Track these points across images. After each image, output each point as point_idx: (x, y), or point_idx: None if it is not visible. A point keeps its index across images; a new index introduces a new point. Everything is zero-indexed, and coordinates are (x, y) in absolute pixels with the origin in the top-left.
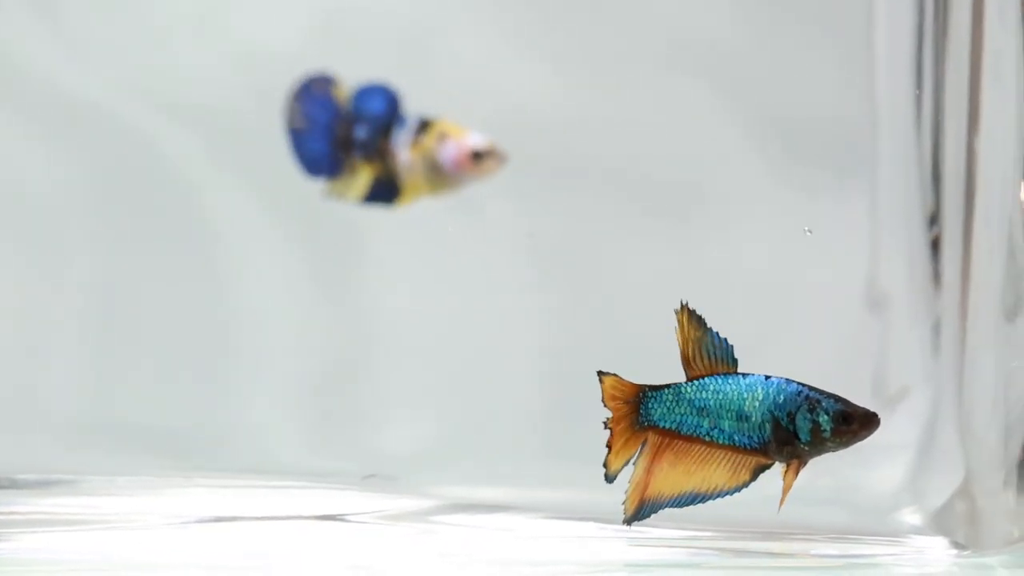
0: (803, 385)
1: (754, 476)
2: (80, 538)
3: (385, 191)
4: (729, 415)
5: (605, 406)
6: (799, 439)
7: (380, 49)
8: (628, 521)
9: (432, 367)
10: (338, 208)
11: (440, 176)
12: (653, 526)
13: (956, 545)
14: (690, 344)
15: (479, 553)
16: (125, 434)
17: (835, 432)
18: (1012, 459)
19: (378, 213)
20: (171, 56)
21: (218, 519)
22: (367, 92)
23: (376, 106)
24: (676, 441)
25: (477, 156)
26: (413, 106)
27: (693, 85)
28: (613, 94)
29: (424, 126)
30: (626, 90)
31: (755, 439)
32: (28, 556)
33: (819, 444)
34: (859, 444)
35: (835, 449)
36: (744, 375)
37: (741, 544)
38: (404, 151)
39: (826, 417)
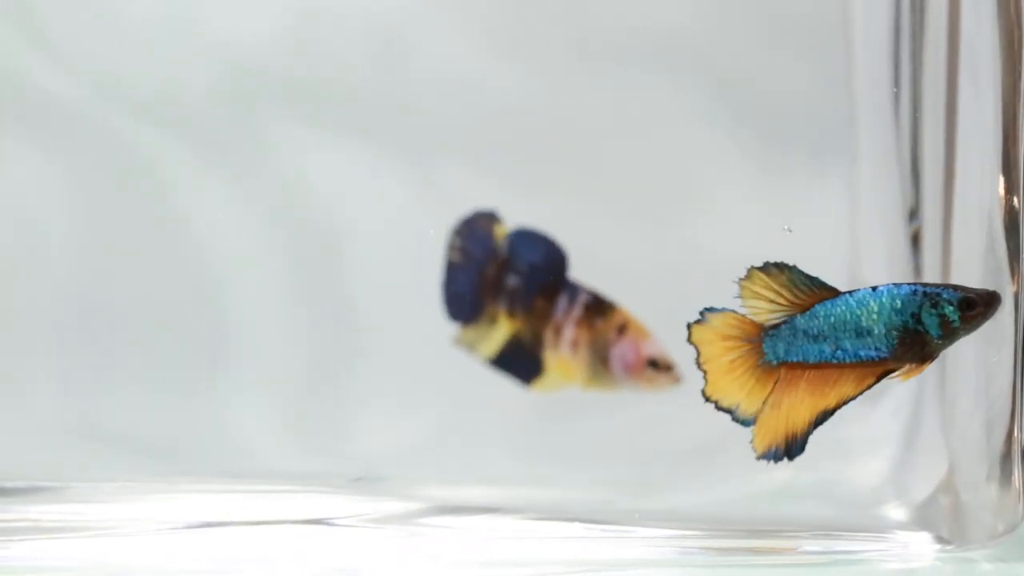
0: (913, 284)
1: (879, 380)
2: (67, 545)
3: (523, 360)
4: (848, 334)
5: (695, 346)
6: (931, 335)
7: (353, 46)
8: (771, 458)
9: (416, 368)
10: (318, 209)
11: (601, 371)
12: (638, 525)
13: (940, 540)
14: (782, 287)
15: (466, 555)
16: (111, 440)
17: (963, 319)
18: (995, 453)
19: (356, 216)
20: (147, 57)
21: (205, 524)
22: (527, 237)
23: (535, 255)
24: (805, 371)
25: (654, 366)
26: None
27: (672, 81)
28: (590, 90)
29: (597, 303)
30: (603, 86)
31: (882, 349)
32: (15, 564)
33: (951, 335)
34: (842, 439)
35: (966, 335)
36: (850, 293)
37: (727, 542)
38: (569, 326)
39: (951, 308)
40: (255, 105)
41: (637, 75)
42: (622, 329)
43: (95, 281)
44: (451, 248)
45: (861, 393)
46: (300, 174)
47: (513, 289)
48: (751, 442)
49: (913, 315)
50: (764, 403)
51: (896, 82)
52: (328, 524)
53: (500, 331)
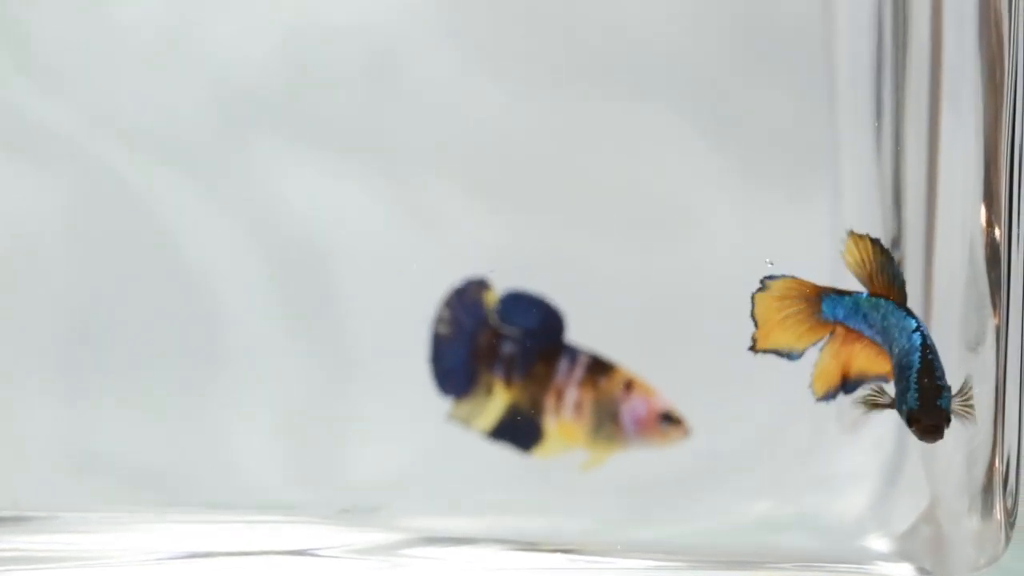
0: (926, 352)
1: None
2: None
3: (522, 429)
4: (888, 340)
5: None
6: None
7: (342, 66)
8: (831, 397)
9: (407, 397)
10: (308, 232)
11: (610, 431)
12: (621, 556)
13: (922, 571)
14: (874, 264)
15: None
16: (98, 470)
17: (909, 419)
18: (976, 485)
19: (345, 241)
20: (136, 79)
21: (191, 555)
22: (519, 300)
23: (530, 320)
24: (863, 338)
25: (666, 419)
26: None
27: (658, 105)
28: (576, 112)
29: (598, 363)
30: (586, 107)
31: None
32: None
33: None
34: (825, 470)
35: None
36: (908, 313)
37: (709, 573)
38: (572, 388)
39: (913, 395)
40: (244, 126)
41: (623, 98)
42: (628, 386)
43: (85, 307)
44: (439, 321)
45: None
46: (292, 196)
47: (509, 356)
48: (810, 386)
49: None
50: (822, 351)
51: (878, 111)
52: (312, 555)
53: (497, 401)
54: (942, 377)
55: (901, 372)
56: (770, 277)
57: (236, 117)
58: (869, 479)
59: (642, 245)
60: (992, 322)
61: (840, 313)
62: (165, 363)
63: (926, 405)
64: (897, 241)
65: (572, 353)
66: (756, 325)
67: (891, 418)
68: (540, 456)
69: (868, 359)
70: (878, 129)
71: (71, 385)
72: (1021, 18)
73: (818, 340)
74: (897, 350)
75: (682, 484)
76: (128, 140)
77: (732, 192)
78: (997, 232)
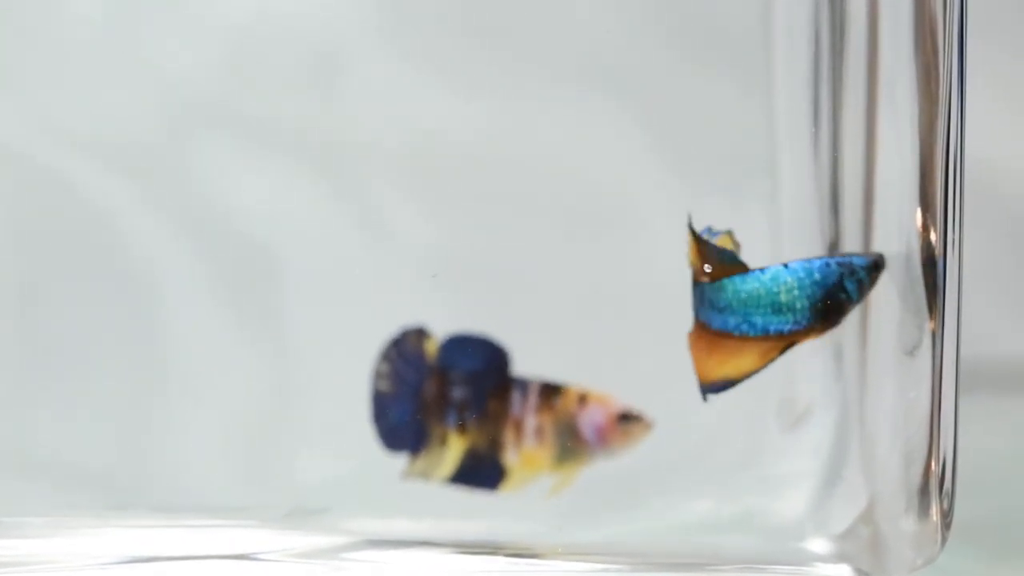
0: (821, 257)
1: (783, 352)
2: None
3: (483, 470)
4: (760, 310)
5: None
6: (852, 300)
7: (290, 74)
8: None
9: (351, 400)
10: (255, 238)
11: (574, 447)
12: (562, 559)
13: (860, 572)
14: (698, 254)
15: None
16: (40, 474)
17: (871, 281)
18: (913, 487)
19: (290, 243)
20: (83, 92)
21: (134, 559)
22: (462, 343)
23: (476, 361)
24: (709, 335)
25: (625, 419)
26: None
27: (594, 109)
28: (523, 118)
29: (549, 387)
30: (535, 114)
31: (801, 322)
32: None
33: (863, 296)
34: (764, 472)
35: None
36: (760, 270)
37: (649, 575)
38: (530, 416)
39: (864, 272)
40: (189, 129)
41: (564, 101)
42: (583, 399)
43: (28, 311)
44: (379, 377)
45: (764, 367)
46: (237, 199)
47: (460, 402)
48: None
49: (835, 284)
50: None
51: (816, 117)
52: (255, 559)
53: (453, 450)
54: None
55: (836, 274)
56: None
57: (181, 120)
58: (808, 480)
59: (583, 247)
60: (928, 326)
61: (695, 308)
62: (109, 366)
63: (869, 255)
64: (835, 245)
65: (522, 384)
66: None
67: (829, 421)
68: (508, 491)
69: (714, 362)
70: (815, 134)
71: (12, 387)
72: (956, 26)
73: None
74: (801, 293)
75: (623, 486)
76: (72, 143)
77: (671, 196)
78: (933, 236)
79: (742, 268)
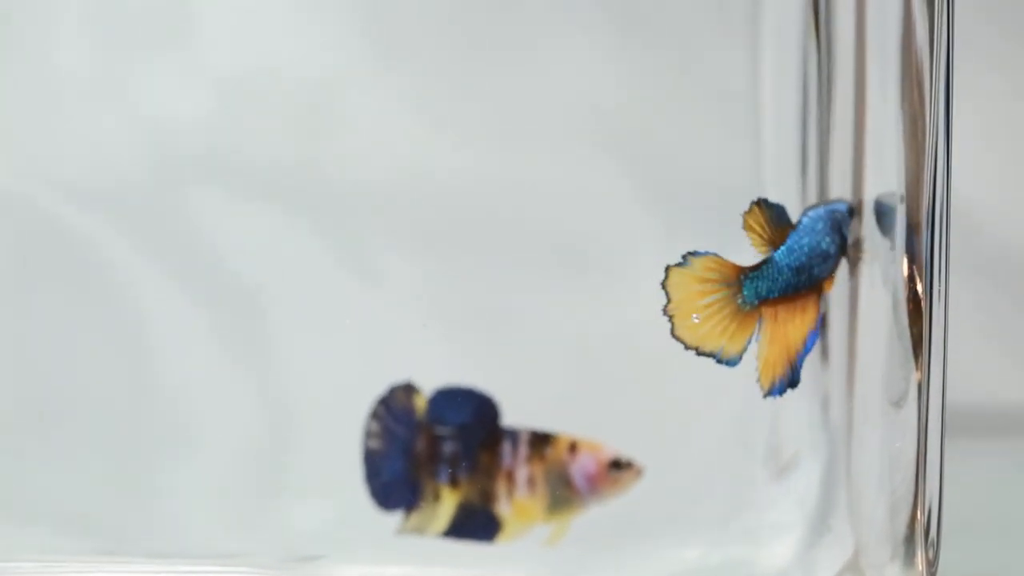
0: (825, 204)
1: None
2: None
3: (478, 522)
4: (817, 260)
5: (667, 291)
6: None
7: (281, 122)
8: (777, 392)
9: (344, 445)
10: (247, 287)
11: (566, 496)
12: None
13: None
14: (767, 224)
15: None
16: (34, 519)
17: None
18: (898, 535)
19: (282, 290)
20: (75, 141)
21: None
22: (450, 397)
23: (464, 414)
24: (777, 306)
25: (615, 466)
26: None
27: (586, 158)
28: (514, 165)
29: (539, 436)
30: (526, 162)
31: (833, 269)
32: None
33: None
34: (752, 520)
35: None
36: (799, 223)
37: None
38: (521, 466)
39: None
40: (181, 176)
41: (557, 150)
42: (573, 448)
43: (23, 358)
44: (369, 436)
45: (818, 316)
46: (229, 246)
47: (452, 456)
48: (757, 380)
49: (840, 232)
50: (760, 342)
51: (803, 166)
52: None
53: (447, 505)
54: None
55: (839, 227)
56: (692, 253)
57: (172, 167)
58: (794, 529)
59: (572, 293)
60: (915, 376)
61: (763, 288)
62: (101, 411)
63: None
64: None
65: (512, 434)
66: (668, 299)
67: (816, 470)
68: (503, 542)
69: (801, 321)
70: (803, 184)
71: (4, 432)
72: (942, 78)
73: (750, 335)
74: (829, 233)
75: (612, 533)
76: (65, 191)
77: (660, 244)
78: (919, 287)
79: (788, 225)
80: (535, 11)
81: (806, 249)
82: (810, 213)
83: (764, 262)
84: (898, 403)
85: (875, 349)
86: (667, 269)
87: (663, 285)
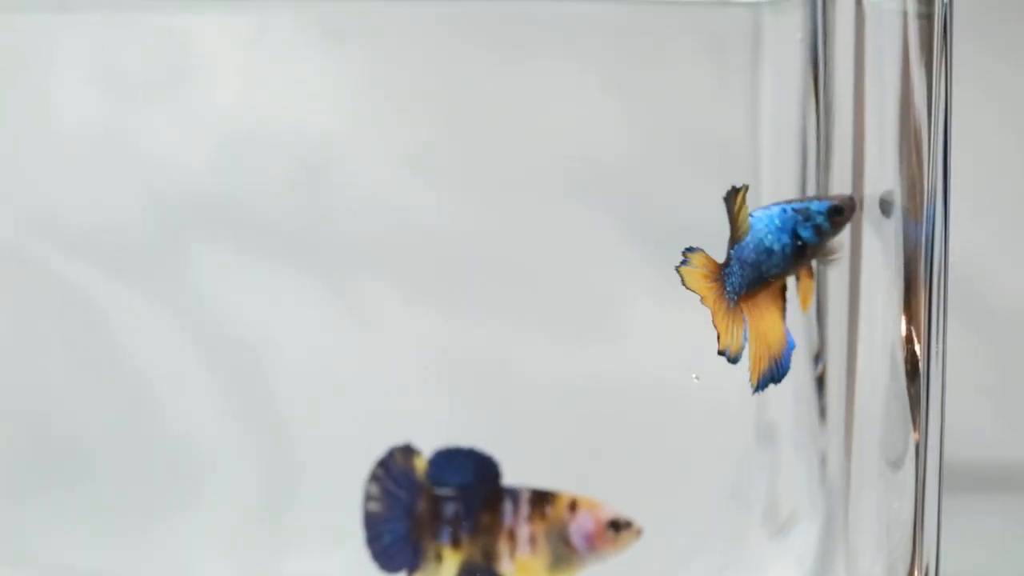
0: (782, 203)
1: (783, 294)
2: None
3: None
4: (764, 255)
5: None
6: (810, 244)
7: (279, 172)
8: (761, 387)
9: (348, 500)
10: (248, 340)
11: (566, 555)
12: None
13: None
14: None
15: None
16: (40, 570)
17: (833, 224)
18: None
19: (283, 343)
20: (77, 189)
21: None
22: (450, 457)
23: (465, 474)
24: (753, 299)
25: (615, 526)
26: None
27: (590, 210)
28: (512, 220)
29: (540, 495)
30: (525, 216)
31: (781, 265)
32: None
33: (825, 238)
34: None
35: (835, 236)
36: (751, 216)
37: None
38: (522, 525)
39: (822, 217)
40: (182, 230)
41: (556, 203)
42: (573, 506)
43: (24, 410)
44: (370, 499)
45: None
46: (230, 300)
47: (453, 516)
48: (749, 379)
49: (792, 231)
50: (748, 341)
51: None
52: None
53: (449, 566)
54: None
55: (792, 221)
56: (689, 250)
57: (174, 222)
58: None
59: (574, 347)
60: (912, 437)
61: (737, 283)
62: (103, 464)
63: (829, 199)
64: (820, 353)
65: (512, 493)
66: (699, 293)
67: (815, 530)
68: None
69: (771, 316)
70: None
71: (8, 487)
72: (940, 139)
73: (741, 327)
74: (772, 231)
75: None
76: (67, 245)
77: (662, 304)
78: (917, 347)
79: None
80: (532, 67)
81: (751, 246)
82: (756, 212)
83: (729, 259)
84: (896, 464)
85: (873, 409)
86: (679, 271)
87: (686, 286)
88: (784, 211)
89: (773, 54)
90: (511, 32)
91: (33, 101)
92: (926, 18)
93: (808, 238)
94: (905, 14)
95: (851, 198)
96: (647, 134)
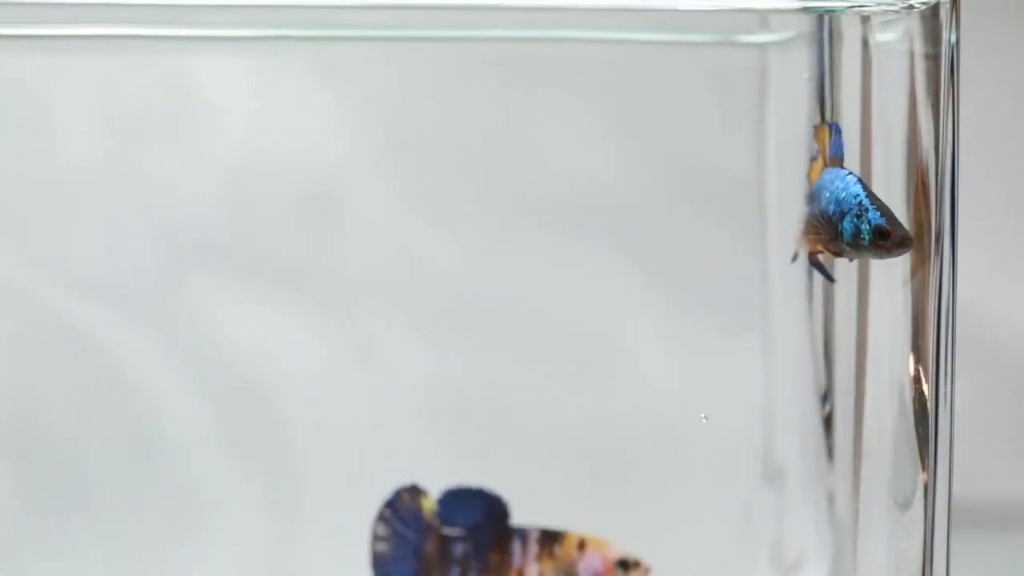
0: (863, 190)
1: None
2: None
3: None
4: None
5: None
6: (843, 238)
7: (285, 209)
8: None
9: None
10: (254, 375)
11: None
12: None
13: None
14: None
15: None
16: None
17: (872, 243)
18: None
19: (288, 378)
20: (81, 225)
21: None
22: (459, 497)
23: (474, 515)
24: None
25: (623, 566)
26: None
27: (596, 248)
28: (518, 258)
29: (548, 534)
30: (531, 255)
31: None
32: None
33: (857, 249)
34: None
35: (872, 257)
36: (834, 171)
37: None
38: (531, 565)
39: (868, 226)
40: (187, 265)
41: (563, 239)
42: (581, 546)
43: (27, 451)
44: (377, 540)
45: None
46: (235, 334)
47: (462, 557)
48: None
49: (842, 213)
50: None
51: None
52: None
53: None
54: (879, 206)
55: (851, 207)
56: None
57: (179, 257)
58: None
59: (579, 385)
60: (921, 477)
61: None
62: (108, 505)
63: (890, 222)
64: (828, 393)
65: (521, 533)
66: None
67: (823, 567)
68: None
69: None
70: (809, 282)
71: (11, 529)
72: (947, 179)
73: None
74: (843, 196)
75: None
76: (71, 281)
77: (668, 343)
78: (925, 387)
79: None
80: (537, 106)
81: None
82: (838, 171)
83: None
84: (904, 504)
85: (881, 449)
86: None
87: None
88: (856, 195)
89: (779, 94)
90: (516, 71)
91: (39, 141)
92: (933, 58)
93: (844, 229)
94: (912, 54)
95: (909, 237)
96: (653, 173)
